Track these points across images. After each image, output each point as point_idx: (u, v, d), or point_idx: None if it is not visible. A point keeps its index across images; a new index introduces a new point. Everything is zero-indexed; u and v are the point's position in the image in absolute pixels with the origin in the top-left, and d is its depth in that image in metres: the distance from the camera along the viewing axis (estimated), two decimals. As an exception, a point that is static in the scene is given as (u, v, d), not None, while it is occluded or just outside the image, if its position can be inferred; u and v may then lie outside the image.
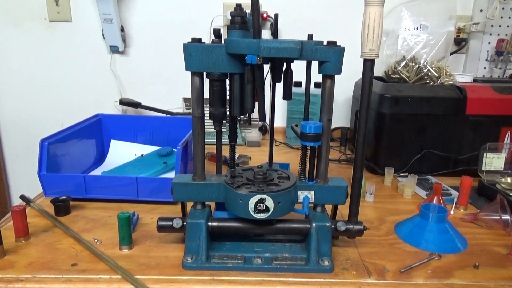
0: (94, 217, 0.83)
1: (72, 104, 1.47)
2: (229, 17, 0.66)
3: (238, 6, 0.66)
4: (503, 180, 0.94)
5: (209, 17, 1.37)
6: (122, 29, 1.38)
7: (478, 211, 0.85)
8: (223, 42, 0.64)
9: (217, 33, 0.67)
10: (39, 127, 1.48)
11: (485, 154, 0.95)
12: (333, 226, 0.68)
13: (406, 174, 1.05)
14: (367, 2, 0.60)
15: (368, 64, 0.62)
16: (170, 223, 0.69)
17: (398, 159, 1.08)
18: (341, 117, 1.48)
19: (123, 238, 0.70)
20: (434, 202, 0.85)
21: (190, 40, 0.65)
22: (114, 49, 1.40)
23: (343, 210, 0.78)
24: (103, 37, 1.39)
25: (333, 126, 1.44)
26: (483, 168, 0.96)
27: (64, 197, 0.84)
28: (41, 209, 0.84)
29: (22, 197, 0.89)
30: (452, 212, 0.88)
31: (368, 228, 0.72)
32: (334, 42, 0.63)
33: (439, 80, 1.11)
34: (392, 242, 0.75)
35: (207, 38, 1.37)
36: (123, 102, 1.40)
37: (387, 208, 0.91)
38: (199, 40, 0.65)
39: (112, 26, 1.35)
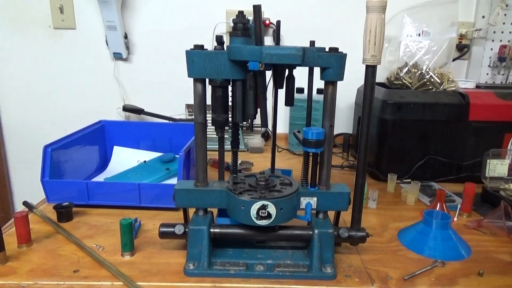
0: (96, 223, 0.83)
1: (75, 111, 1.47)
2: (232, 24, 0.66)
3: (240, 13, 0.66)
4: (507, 186, 0.94)
5: (212, 24, 1.38)
6: (126, 36, 1.39)
7: (482, 218, 0.85)
8: (225, 49, 0.65)
9: (219, 40, 0.68)
10: (43, 134, 1.48)
11: (488, 161, 0.95)
12: (335, 233, 0.68)
13: (409, 180, 1.04)
14: (368, 9, 0.60)
15: (370, 70, 0.62)
16: (172, 229, 0.69)
17: (401, 165, 1.08)
18: (343, 123, 1.48)
19: (125, 244, 0.70)
20: (437, 209, 0.84)
21: (192, 47, 0.65)
22: (117, 56, 1.41)
23: (346, 216, 0.78)
24: (107, 44, 1.40)
25: (335, 132, 1.43)
26: (486, 175, 0.95)
27: (67, 203, 0.84)
28: (43, 215, 0.84)
29: (25, 203, 0.89)
30: (455, 219, 0.88)
31: (371, 235, 0.71)
32: (336, 49, 0.64)
33: (441, 86, 1.11)
34: (395, 249, 0.75)
35: (210, 45, 1.38)
36: (126, 109, 1.41)
37: (390, 214, 0.90)
38: (201, 47, 0.65)
39: (116, 33, 1.36)
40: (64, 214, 0.83)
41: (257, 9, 0.62)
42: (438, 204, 0.86)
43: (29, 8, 1.38)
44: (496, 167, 0.95)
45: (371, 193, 0.93)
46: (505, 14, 1.38)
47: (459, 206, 0.90)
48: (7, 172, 1.55)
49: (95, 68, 1.44)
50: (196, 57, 0.64)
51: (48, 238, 0.76)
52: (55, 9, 1.37)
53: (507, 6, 1.37)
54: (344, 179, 1.13)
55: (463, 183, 0.91)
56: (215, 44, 0.67)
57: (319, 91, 1.28)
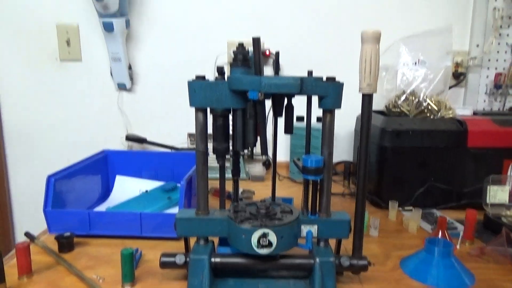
0: (97, 254, 0.82)
1: (79, 141, 1.49)
2: (232, 55, 0.69)
3: (241, 45, 0.69)
4: (508, 213, 0.94)
5: (213, 55, 1.42)
6: (130, 67, 1.43)
7: (485, 245, 0.84)
8: (226, 79, 0.67)
9: (220, 70, 0.70)
10: (46, 164, 1.50)
11: (489, 187, 0.95)
12: (337, 261, 0.68)
13: (411, 208, 1.04)
14: (363, 40, 0.63)
15: (366, 99, 0.64)
16: (173, 259, 0.69)
17: (402, 192, 1.08)
18: (344, 151, 1.49)
19: (125, 275, 0.69)
20: (439, 237, 0.84)
21: (194, 78, 0.67)
22: (121, 87, 1.44)
23: (348, 245, 0.77)
24: (111, 75, 1.44)
25: (336, 160, 1.44)
26: (487, 201, 0.95)
27: (68, 233, 0.84)
28: (45, 246, 0.84)
29: (27, 234, 0.89)
30: (458, 247, 0.87)
31: (373, 264, 0.71)
32: (333, 78, 0.66)
33: (439, 114, 1.13)
34: (398, 278, 0.74)
35: (211, 75, 1.41)
36: (129, 138, 1.43)
37: (392, 242, 0.89)
38: (203, 77, 0.67)
39: (120, 65, 1.40)
40: (66, 244, 0.83)
41: (256, 41, 0.65)
42: (440, 231, 0.85)
43: (38, 41, 1.43)
44: (496, 194, 0.95)
45: (372, 221, 0.93)
46: (498, 43, 1.41)
47: (461, 233, 0.89)
48: (10, 203, 1.55)
49: (99, 98, 1.47)
50: (197, 87, 0.66)
51: (49, 269, 0.75)
52: (62, 42, 1.42)
53: (500, 35, 1.40)
54: (345, 207, 1.12)
55: (464, 210, 0.91)
56: (216, 74, 0.69)
57: (319, 119, 1.29)
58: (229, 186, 0.76)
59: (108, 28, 1.32)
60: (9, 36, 1.43)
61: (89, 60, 1.45)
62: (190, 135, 1.48)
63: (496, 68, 1.44)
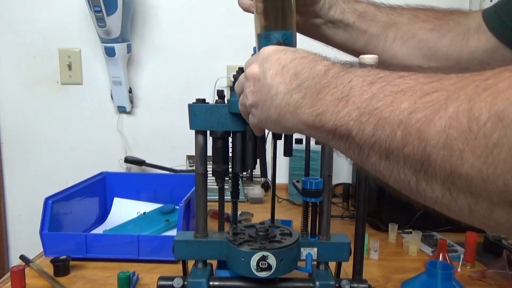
0: (93, 277, 0.81)
1: (78, 162, 1.49)
2: (232, 79, 0.70)
3: (240, 69, 0.70)
4: (508, 235, 0.93)
5: (213, 79, 1.44)
6: (130, 91, 1.45)
7: (486, 268, 0.83)
8: (226, 102, 0.68)
9: (220, 93, 0.71)
10: (44, 185, 1.49)
11: (488, 209, 0.95)
12: (337, 285, 0.67)
13: (410, 230, 1.03)
14: (361, 65, 0.64)
15: (365, 122, 0.65)
16: (170, 283, 0.68)
17: (402, 215, 1.07)
18: (344, 173, 1.49)
19: (122, 299, 0.68)
20: (440, 259, 0.83)
21: (195, 101, 0.68)
22: (121, 110, 1.46)
23: (348, 268, 0.76)
24: (112, 98, 1.45)
25: (336, 182, 1.44)
26: (487, 224, 0.95)
27: (64, 256, 0.83)
28: (40, 269, 0.82)
29: (22, 257, 0.87)
30: (459, 270, 0.86)
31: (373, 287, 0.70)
32: (332, 101, 0.66)
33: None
34: (399, 302, 0.73)
35: (211, 98, 1.43)
36: (127, 160, 1.43)
37: (393, 265, 0.89)
38: (203, 100, 0.68)
39: (121, 88, 1.41)
40: (61, 268, 0.82)
41: (255, 65, 0.66)
42: (441, 254, 0.85)
43: (39, 64, 1.45)
44: (496, 216, 0.94)
45: (372, 244, 0.92)
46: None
47: (461, 256, 0.88)
48: (5, 226, 1.54)
49: (99, 121, 1.48)
50: (198, 110, 0.66)
51: (43, 293, 0.74)
52: (64, 66, 1.44)
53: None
54: (345, 229, 1.12)
55: (464, 233, 0.90)
56: (216, 97, 0.70)
57: (317, 141, 1.30)
58: (227, 209, 0.76)
59: (109, 53, 1.34)
60: (11, 59, 1.45)
61: (90, 84, 1.47)
62: (188, 157, 1.49)
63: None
